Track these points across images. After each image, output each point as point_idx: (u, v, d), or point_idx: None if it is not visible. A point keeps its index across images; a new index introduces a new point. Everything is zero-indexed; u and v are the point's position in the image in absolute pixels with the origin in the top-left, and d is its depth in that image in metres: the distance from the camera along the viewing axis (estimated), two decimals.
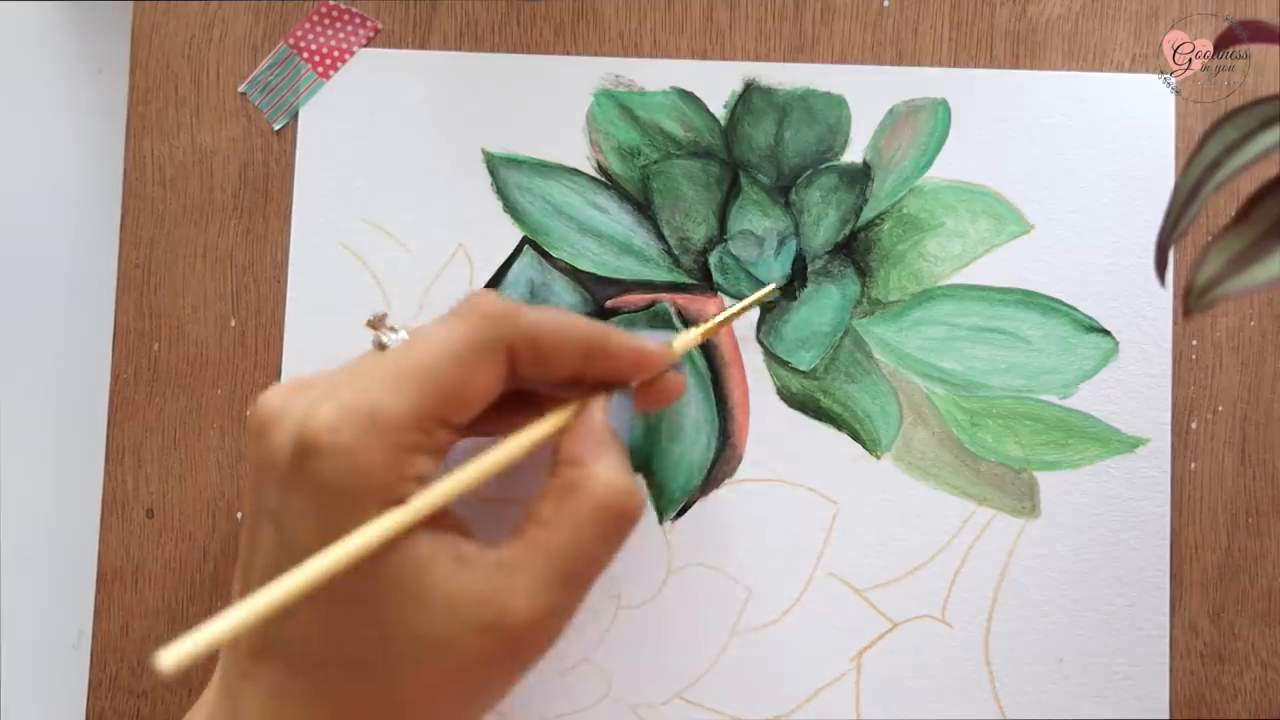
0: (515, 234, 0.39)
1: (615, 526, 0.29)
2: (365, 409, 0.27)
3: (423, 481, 0.28)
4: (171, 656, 0.23)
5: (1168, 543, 0.37)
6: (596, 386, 0.32)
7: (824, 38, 0.39)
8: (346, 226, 0.39)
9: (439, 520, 0.28)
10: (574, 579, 0.28)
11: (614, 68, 0.39)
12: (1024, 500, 0.38)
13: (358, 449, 0.27)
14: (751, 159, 0.39)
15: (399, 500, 0.27)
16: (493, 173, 0.39)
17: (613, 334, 0.31)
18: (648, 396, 0.33)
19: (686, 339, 0.34)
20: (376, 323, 0.31)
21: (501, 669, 0.28)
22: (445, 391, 0.28)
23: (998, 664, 0.37)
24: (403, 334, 0.30)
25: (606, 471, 0.29)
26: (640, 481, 0.38)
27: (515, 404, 0.32)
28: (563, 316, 0.30)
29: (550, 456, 0.31)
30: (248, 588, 0.28)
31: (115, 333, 0.39)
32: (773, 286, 0.38)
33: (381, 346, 0.30)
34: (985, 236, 0.39)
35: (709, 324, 0.36)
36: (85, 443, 0.41)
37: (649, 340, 0.32)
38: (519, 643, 0.28)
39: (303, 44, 0.40)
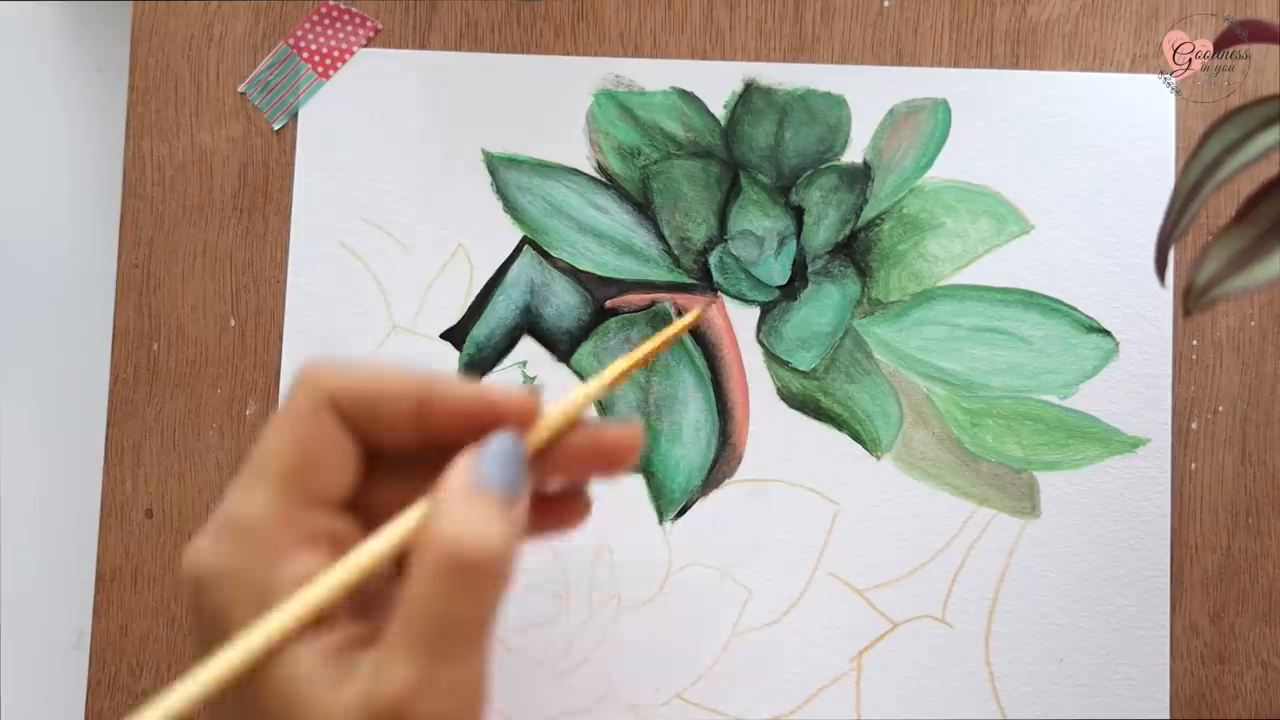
0: (515, 234, 0.39)
1: (463, 579, 0.25)
2: (225, 522, 0.26)
3: (300, 581, 0.25)
4: None
5: (1168, 543, 0.37)
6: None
7: (824, 38, 0.39)
8: (346, 226, 0.39)
9: (326, 622, 0.25)
10: (437, 645, 0.25)
11: (614, 68, 0.39)
12: (1024, 500, 0.38)
13: (226, 566, 0.25)
14: (751, 159, 0.39)
15: (271, 605, 0.25)
16: (493, 173, 0.39)
17: (445, 382, 0.28)
18: (545, 519, 0.29)
19: (559, 407, 0.28)
20: None
21: None
22: (290, 476, 0.26)
23: (998, 664, 0.37)
24: None
25: (447, 521, 0.25)
26: (641, 484, 0.38)
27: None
28: (395, 372, 0.28)
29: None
30: None
31: (115, 333, 0.39)
32: (685, 322, 0.30)
33: None
34: (985, 236, 0.39)
35: (589, 387, 0.28)
36: (85, 443, 0.41)
37: (496, 386, 0.28)
38: None
39: (303, 44, 0.40)
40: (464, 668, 0.25)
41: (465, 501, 0.26)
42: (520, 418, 0.28)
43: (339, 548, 0.26)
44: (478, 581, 0.25)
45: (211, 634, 0.25)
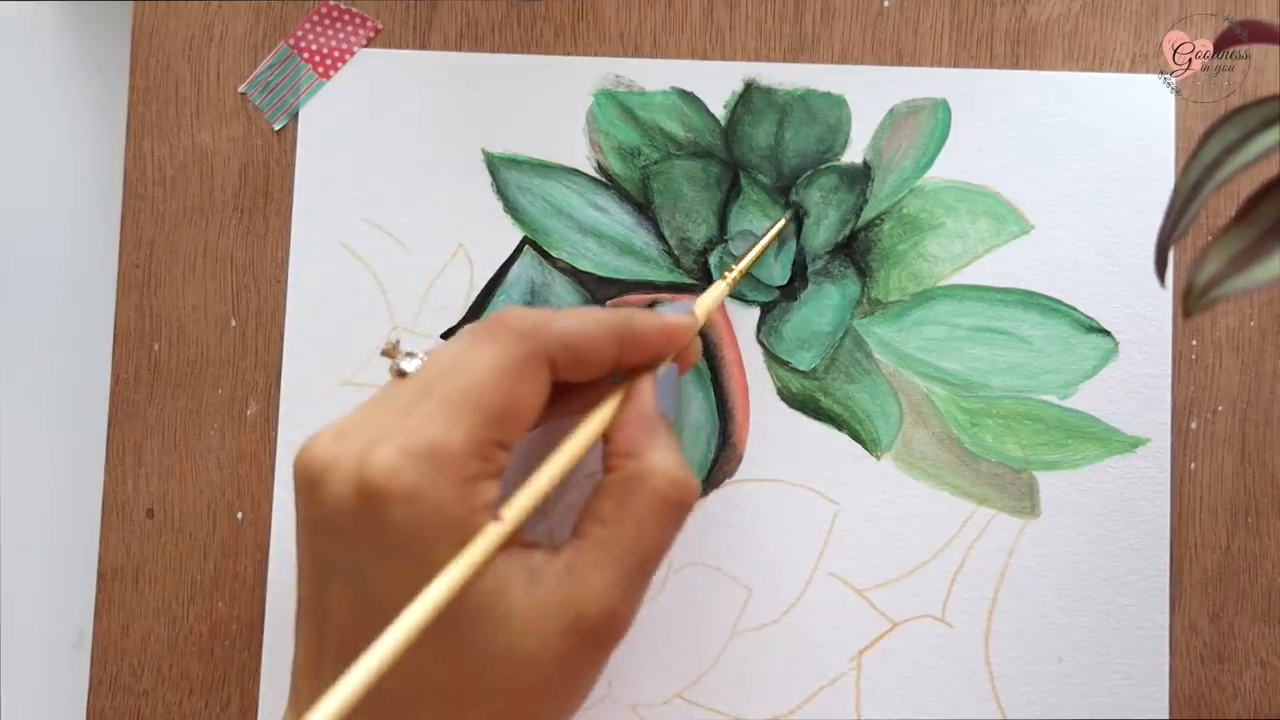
0: (515, 234, 0.39)
1: (677, 515, 0.30)
2: (424, 447, 0.27)
3: (489, 508, 0.28)
4: (321, 715, 0.23)
5: (1168, 543, 0.37)
6: (632, 371, 0.32)
7: (824, 38, 0.39)
8: (346, 226, 0.39)
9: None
10: (641, 571, 0.29)
11: (614, 68, 0.39)
12: (1024, 500, 0.38)
13: (425, 490, 0.26)
14: (751, 159, 0.39)
15: (472, 532, 0.27)
16: (493, 173, 0.39)
17: (637, 319, 0.31)
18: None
19: (706, 304, 0.35)
20: (392, 350, 0.30)
21: (586, 666, 0.29)
22: (497, 415, 0.28)
23: (998, 664, 0.37)
24: (420, 358, 0.30)
25: (663, 462, 0.30)
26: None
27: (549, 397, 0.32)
28: (588, 316, 0.31)
29: (603, 448, 0.31)
30: (325, 646, 0.28)
31: (115, 333, 0.39)
32: (783, 221, 0.38)
33: (400, 373, 0.30)
34: (985, 236, 0.39)
35: (724, 283, 0.37)
36: (85, 443, 0.41)
37: (670, 315, 0.33)
38: (598, 639, 0.28)
39: (303, 44, 0.40)
40: (648, 585, 0.30)
41: (667, 440, 0.31)
42: (686, 343, 0.33)
43: (503, 473, 0.29)
44: (685, 517, 0.30)
45: (386, 546, 0.27)
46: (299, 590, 0.30)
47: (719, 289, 0.36)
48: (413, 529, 0.26)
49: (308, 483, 0.28)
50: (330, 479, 0.27)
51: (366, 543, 0.27)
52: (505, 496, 0.29)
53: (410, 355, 0.30)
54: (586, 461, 0.34)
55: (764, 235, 0.38)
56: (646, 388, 0.32)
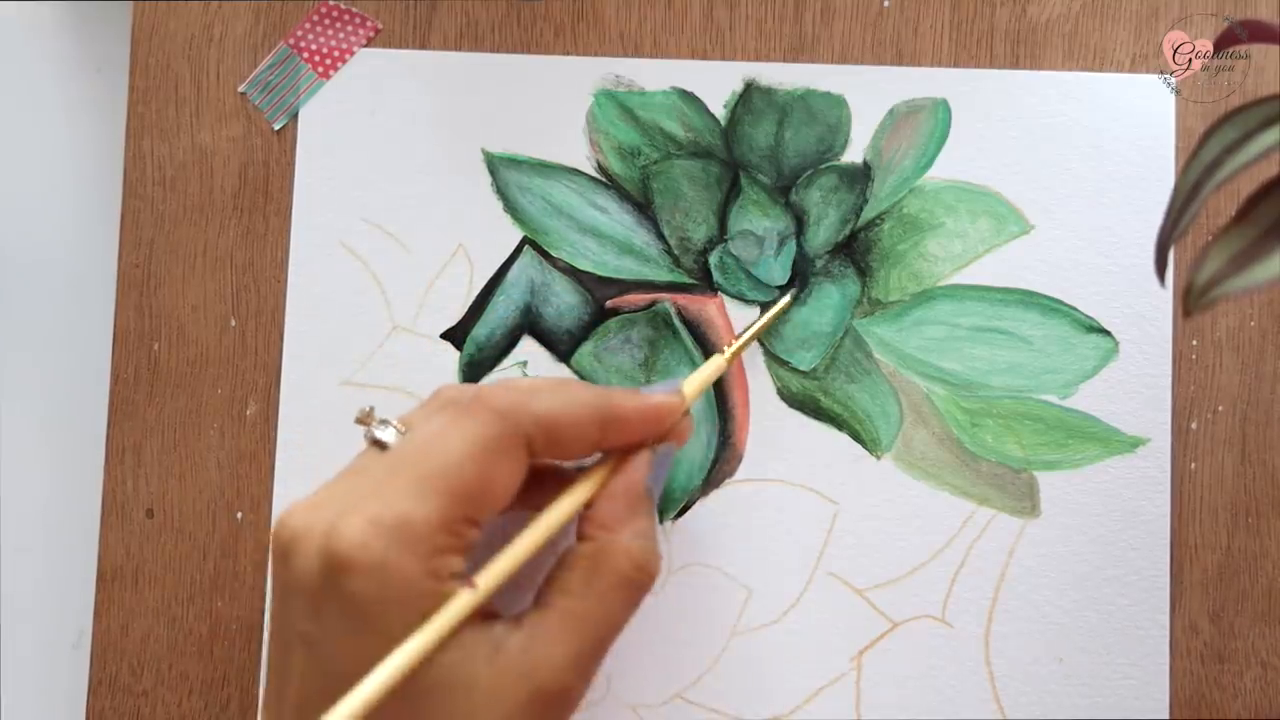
0: (515, 234, 0.39)
1: (637, 595, 0.30)
2: (393, 521, 0.27)
3: (455, 579, 0.28)
4: None
5: (1168, 543, 0.37)
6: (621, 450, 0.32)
7: (824, 38, 0.39)
8: (346, 226, 0.39)
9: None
10: (599, 648, 0.29)
11: (614, 68, 0.39)
12: (1024, 500, 0.38)
13: (391, 562, 0.26)
14: (751, 159, 0.39)
15: (434, 606, 0.27)
16: (493, 173, 0.39)
17: (620, 400, 0.31)
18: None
19: (695, 384, 0.34)
20: (365, 418, 0.30)
21: None
22: (470, 493, 0.28)
23: (998, 664, 0.37)
24: (394, 426, 0.30)
25: (632, 543, 0.30)
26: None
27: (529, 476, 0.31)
28: (571, 395, 0.30)
29: (582, 513, 0.31)
30: (284, 713, 0.28)
31: (115, 333, 0.39)
32: (785, 301, 0.38)
33: (376, 442, 0.30)
34: (985, 236, 0.39)
35: (720, 358, 0.35)
36: (85, 443, 0.41)
37: (656, 394, 0.32)
38: (555, 707, 0.28)
39: (303, 44, 0.40)
40: (603, 657, 0.30)
41: (646, 521, 0.31)
42: (673, 423, 0.32)
43: (472, 548, 0.29)
44: (644, 596, 0.30)
45: (348, 616, 0.27)
46: (268, 654, 0.30)
47: (714, 364, 0.35)
48: (375, 601, 0.26)
49: (280, 552, 0.28)
50: (299, 548, 0.27)
51: (329, 612, 0.27)
52: (474, 569, 0.29)
53: (384, 423, 0.30)
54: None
55: (768, 312, 0.38)
56: (640, 463, 0.32)
